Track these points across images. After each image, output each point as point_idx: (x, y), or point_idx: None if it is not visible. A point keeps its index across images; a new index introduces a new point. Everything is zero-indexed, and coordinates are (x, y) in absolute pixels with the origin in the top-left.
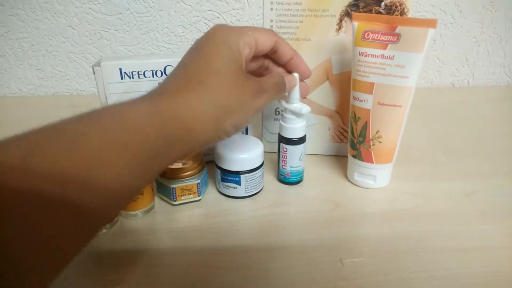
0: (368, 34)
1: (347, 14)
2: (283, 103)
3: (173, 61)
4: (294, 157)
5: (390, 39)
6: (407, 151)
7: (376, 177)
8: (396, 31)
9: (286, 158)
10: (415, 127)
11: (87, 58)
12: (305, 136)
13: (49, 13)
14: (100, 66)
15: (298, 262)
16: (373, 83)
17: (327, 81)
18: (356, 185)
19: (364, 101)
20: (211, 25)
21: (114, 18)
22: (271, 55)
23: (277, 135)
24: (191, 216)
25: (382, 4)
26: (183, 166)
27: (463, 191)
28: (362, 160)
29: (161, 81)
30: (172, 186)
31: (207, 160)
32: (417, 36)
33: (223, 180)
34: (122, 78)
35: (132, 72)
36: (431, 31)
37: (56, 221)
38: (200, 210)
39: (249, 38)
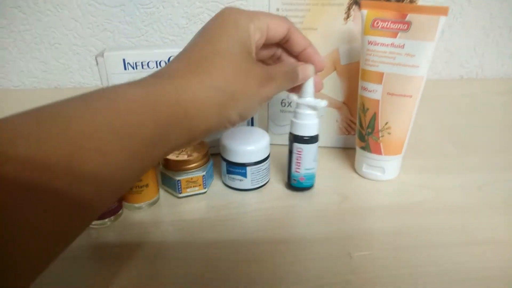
0: (377, 22)
1: (355, 2)
2: (294, 97)
3: (178, 51)
4: (309, 158)
5: (400, 27)
6: (416, 143)
7: (384, 169)
8: (406, 19)
9: (300, 160)
10: (424, 119)
11: (90, 51)
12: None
13: (52, 5)
14: (103, 57)
15: (305, 255)
16: (383, 73)
17: (335, 72)
18: (365, 178)
19: (373, 92)
20: None
21: (117, 10)
22: (284, 44)
23: (283, 127)
24: (196, 208)
25: None
26: (188, 158)
27: (474, 184)
28: (370, 151)
29: None
30: (177, 178)
31: (212, 152)
32: (428, 24)
33: (228, 172)
34: (125, 69)
35: (135, 62)
36: (442, 19)
37: (42, 210)
38: (205, 202)
39: (260, 22)
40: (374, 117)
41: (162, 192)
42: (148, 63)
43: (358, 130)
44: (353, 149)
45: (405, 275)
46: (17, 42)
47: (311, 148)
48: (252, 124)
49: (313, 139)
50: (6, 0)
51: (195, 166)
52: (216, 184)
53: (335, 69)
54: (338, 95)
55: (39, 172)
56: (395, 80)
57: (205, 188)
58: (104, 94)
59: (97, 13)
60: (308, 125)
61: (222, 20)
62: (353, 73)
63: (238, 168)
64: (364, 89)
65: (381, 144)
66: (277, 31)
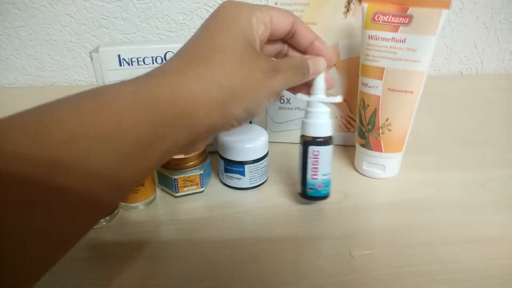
0: (378, 16)
1: None
2: (304, 96)
3: (174, 47)
4: (327, 162)
5: (402, 21)
6: (417, 140)
7: (385, 167)
8: (407, 13)
9: (318, 165)
10: (424, 116)
11: (86, 47)
12: None
13: (46, 0)
14: (98, 53)
15: (306, 254)
16: (383, 68)
17: (334, 67)
18: (365, 175)
19: (374, 87)
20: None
21: (113, 5)
22: (290, 40)
23: (282, 125)
24: (193, 208)
25: None
26: (185, 157)
27: (476, 181)
28: (370, 149)
29: None
30: (174, 177)
31: (210, 150)
32: (430, 17)
33: (226, 170)
34: (120, 65)
35: (131, 58)
36: (444, 12)
37: (34, 214)
38: (203, 201)
39: (263, 14)
40: (375, 114)
41: (158, 191)
42: (144, 59)
43: (358, 127)
44: (353, 146)
45: (407, 273)
46: (12, 39)
47: (328, 150)
48: (251, 122)
49: (329, 140)
50: None
51: (192, 164)
52: (214, 183)
53: (334, 64)
54: (337, 91)
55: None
56: (396, 76)
57: (202, 187)
58: (94, 94)
59: (93, 9)
60: (324, 124)
61: (222, 13)
62: (353, 68)
63: (236, 167)
64: (364, 85)
65: (381, 141)
66: (282, 24)
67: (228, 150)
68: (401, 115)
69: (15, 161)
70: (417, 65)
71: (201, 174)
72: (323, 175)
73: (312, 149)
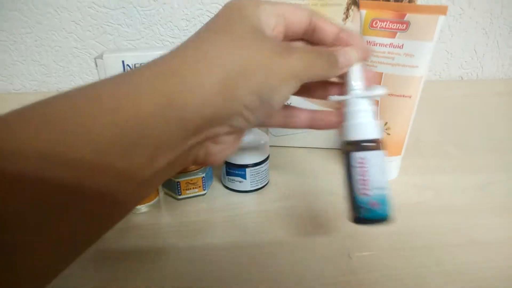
0: (376, 23)
1: (354, 2)
2: (337, 97)
3: None
4: (378, 171)
5: (399, 27)
6: (416, 144)
7: None
8: (405, 19)
9: (366, 175)
10: (424, 120)
11: (90, 53)
12: None
13: (52, 7)
14: (102, 59)
15: (305, 256)
16: (382, 73)
17: None
18: None
19: None
20: None
21: (118, 12)
22: (311, 38)
23: (283, 129)
24: (196, 210)
25: None
26: None
27: (475, 185)
28: None
29: None
30: (177, 180)
31: None
32: (427, 23)
33: (228, 174)
34: (125, 71)
35: (135, 64)
36: (441, 18)
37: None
38: (205, 204)
39: (272, 8)
40: None
41: (161, 194)
42: None
43: None
44: None
45: (405, 275)
46: (18, 45)
47: (377, 156)
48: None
49: (378, 144)
50: (6, 2)
51: (195, 167)
52: (216, 186)
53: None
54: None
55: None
56: (394, 81)
57: (204, 190)
58: (87, 91)
59: (97, 15)
60: (367, 124)
61: (227, 10)
62: None
63: (238, 170)
64: None
65: None
66: (297, 19)
67: None
68: (399, 119)
69: (17, 158)
70: (415, 70)
71: (203, 177)
72: (377, 188)
73: (356, 156)
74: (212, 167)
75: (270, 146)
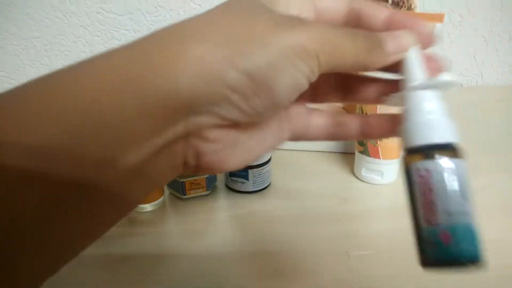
0: None
1: None
2: (394, 95)
3: None
4: (452, 187)
5: None
6: None
7: (383, 173)
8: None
9: (432, 195)
10: None
11: None
12: None
13: (61, 12)
14: None
15: (305, 254)
16: None
17: None
18: (364, 181)
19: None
20: None
21: (125, 18)
22: (357, 27)
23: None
24: (199, 209)
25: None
26: None
27: (475, 187)
28: (369, 156)
29: None
30: (182, 180)
31: None
32: None
33: (231, 175)
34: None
35: None
36: (438, 26)
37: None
38: (208, 204)
39: None
40: None
41: (166, 194)
42: None
43: None
44: (353, 153)
45: (401, 274)
46: (28, 49)
47: (450, 167)
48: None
49: (451, 150)
50: (16, 7)
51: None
52: (219, 187)
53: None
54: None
55: None
56: None
57: (208, 190)
58: (59, 75)
59: (105, 21)
60: (435, 123)
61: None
62: None
63: (240, 171)
64: None
65: (379, 148)
66: (330, 3)
67: None
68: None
69: (4, 151)
70: None
71: (207, 177)
72: (449, 214)
73: (418, 168)
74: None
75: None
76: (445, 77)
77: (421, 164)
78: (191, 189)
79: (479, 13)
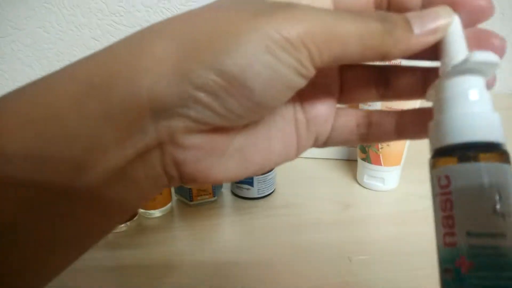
0: None
1: None
2: (431, 87)
3: None
4: (484, 204)
5: None
6: (417, 155)
7: (385, 180)
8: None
9: (453, 209)
10: None
11: None
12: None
13: (73, 25)
14: None
15: (308, 258)
16: None
17: None
18: (366, 188)
19: (373, 105)
20: None
21: (135, 30)
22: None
23: None
24: (206, 215)
25: None
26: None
27: None
28: (371, 163)
29: None
30: (189, 186)
31: None
32: None
33: (236, 181)
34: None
35: None
36: None
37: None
38: (215, 210)
39: None
40: None
41: (174, 200)
42: None
43: None
44: (356, 161)
45: (402, 277)
46: (41, 60)
47: (480, 175)
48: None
49: (496, 150)
50: (32, 21)
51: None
52: (225, 193)
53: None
54: None
55: None
56: None
57: (214, 196)
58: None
59: (116, 33)
60: (470, 116)
61: None
62: None
63: (246, 178)
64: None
65: (380, 155)
66: None
67: None
68: None
69: None
70: None
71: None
72: (473, 235)
73: (438, 175)
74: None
75: None
76: (483, 55)
77: (442, 171)
78: (198, 195)
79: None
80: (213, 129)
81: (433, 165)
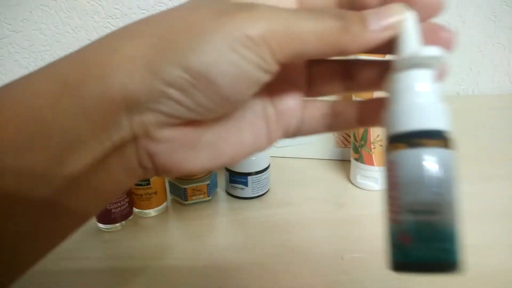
0: None
1: None
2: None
3: None
4: (419, 181)
5: None
6: None
7: (377, 179)
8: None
9: (397, 190)
10: None
11: None
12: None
13: (70, 27)
14: None
15: (301, 257)
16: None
17: None
18: (359, 187)
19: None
20: None
21: None
22: (352, 8)
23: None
24: (201, 215)
25: None
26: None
27: (465, 193)
28: (363, 163)
29: None
30: (184, 186)
31: None
32: None
33: (231, 181)
34: None
35: None
36: None
37: None
38: (209, 209)
39: None
40: (367, 130)
41: (169, 200)
42: None
43: (353, 143)
44: (349, 161)
45: (393, 275)
46: (37, 62)
47: (418, 159)
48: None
49: (439, 137)
50: (28, 23)
51: (200, 175)
52: (220, 193)
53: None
54: None
55: None
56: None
57: (209, 196)
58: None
59: None
60: (414, 105)
61: None
62: None
63: (240, 178)
64: None
65: (373, 155)
66: None
67: None
68: None
69: None
70: None
71: (208, 184)
72: (413, 212)
73: (386, 160)
74: (216, 175)
75: (271, 156)
76: (428, 50)
77: (388, 156)
78: (192, 195)
79: (474, 26)
80: (184, 123)
81: (386, 150)
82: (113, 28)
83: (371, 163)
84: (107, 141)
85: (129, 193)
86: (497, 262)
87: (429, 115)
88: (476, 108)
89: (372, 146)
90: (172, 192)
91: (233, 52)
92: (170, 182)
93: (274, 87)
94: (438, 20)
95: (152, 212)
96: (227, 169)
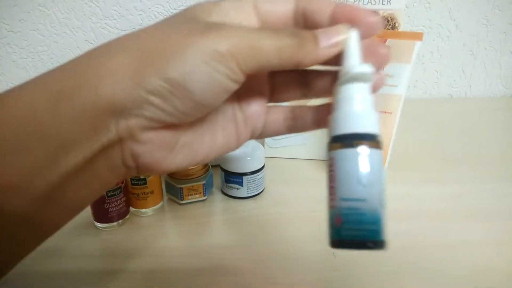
0: None
1: None
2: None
3: None
4: (349, 175)
5: None
6: (402, 158)
7: None
8: (386, 43)
9: (334, 181)
10: (412, 136)
11: None
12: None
13: (68, 27)
14: None
15: (294, 254)
16: None
17: None
18: None
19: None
20: None
21: None
22: (305, 27)
23: (279, 141)
24: (196, 214)
25: None
26: (190, 168)
27: (454, 194)
28: None
29: None
30: (180, 186)
31: (212, 164)
32: (405, 48)
33: (226, 181)
34: None
35: None
36: (418, 43)
37: None
38: (205, 209)
39: (235, 2)
40: None
41: (165, 199)
42: None
43: None
44: None
45: (386, 271)
46: (35, 62)
47: (347, 157)
48: None
49: (355, 141)
50: (26, 23)
51: (196, 175)
52: (215, 192)
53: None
54: None
55: None
56: (376, 98)
57: (205, 195)
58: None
59: (110, 36)
60: (341, 115)
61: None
62: None
63: (235, 178)
64: None
65: None
66: (274, 7)
67: (228, 162)
68: (382, 133)
69: None
70: (395, 89)
71: (204, 184)
72: (344, 200)
73: (329, 156)
74: (212, 175)
75: (266, 157)
76: (359, 68)
77: (333, 153)
78: (188, 195)
79: (466, 29)
80: (164, 126)
81: (328, 149)
82: (111, 29)
83: None
84: (96, 143)
85: (126, 193)
86: (487, 259)
87: (362, 121)
88: (469, 110)
89: None
90: (168, 191)
91: (205, 65)
92: (166, 182)
93: (242, 95)
94: (432, 24)
95: (148, 211)
96: (223, 169)
